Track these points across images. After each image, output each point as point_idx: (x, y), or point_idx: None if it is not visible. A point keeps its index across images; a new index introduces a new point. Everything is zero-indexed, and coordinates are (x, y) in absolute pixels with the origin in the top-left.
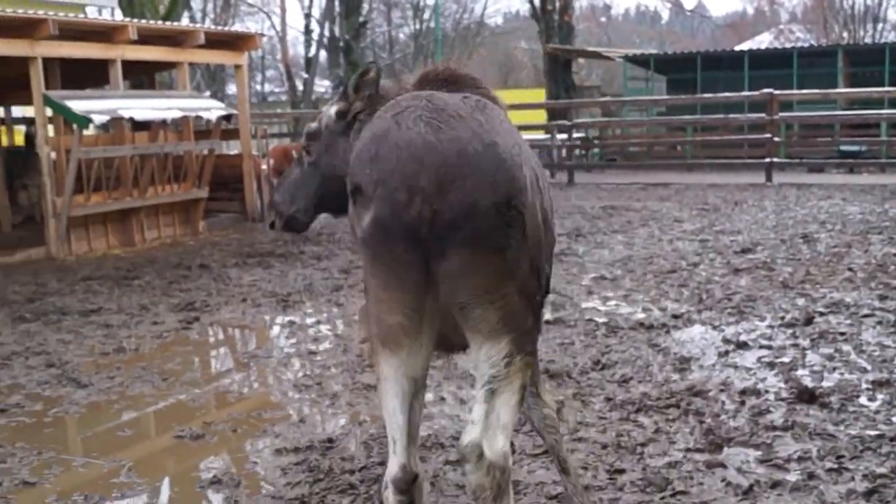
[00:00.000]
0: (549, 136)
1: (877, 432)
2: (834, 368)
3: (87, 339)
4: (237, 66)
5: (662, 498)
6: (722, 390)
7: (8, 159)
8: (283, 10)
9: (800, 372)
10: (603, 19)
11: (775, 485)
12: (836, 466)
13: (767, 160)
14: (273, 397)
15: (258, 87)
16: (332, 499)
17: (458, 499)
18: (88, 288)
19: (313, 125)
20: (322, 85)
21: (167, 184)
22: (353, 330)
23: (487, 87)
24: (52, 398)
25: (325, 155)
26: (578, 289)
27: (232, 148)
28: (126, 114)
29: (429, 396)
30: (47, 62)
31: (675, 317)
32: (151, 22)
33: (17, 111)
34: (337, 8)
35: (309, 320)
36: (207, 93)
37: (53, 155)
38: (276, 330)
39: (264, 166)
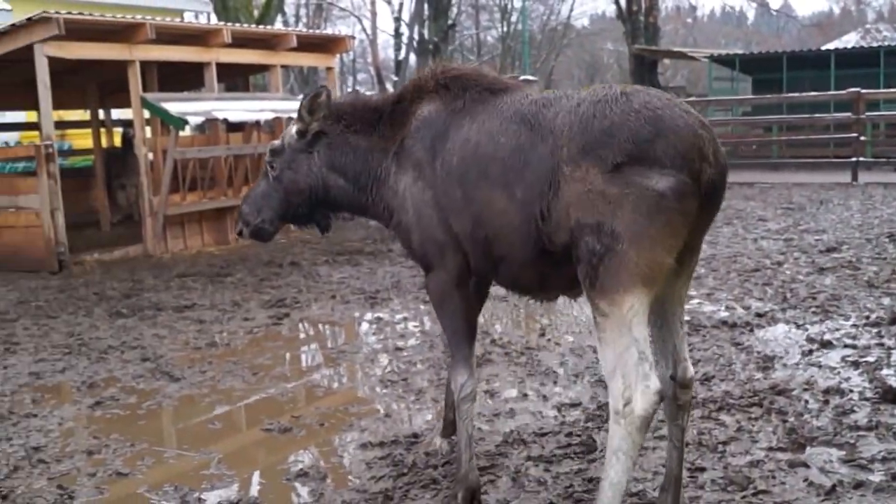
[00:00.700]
0: None
1: None
2: None
3: (180, 333)
4: (328, 69)
5: (744, 497)
6: (805, 389)
7: (107, 160)
8: (374, 13)
9: (884, 371)
10: (689, 20)
11: (858, 485)
12: None
13: (853, 159)
14: (360, 392)
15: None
16: (415, 493)
17: (540, 495)
18: (183, 284)
19: (276, 143)
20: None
21: None
22: (439, 326)
23: None
24: (146, 391)
25: (288, 170)
26: None
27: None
28: (220, 115)
29: (511, 393)
30: (145, 65)
31: (759, 315)
32: (245, 26)
33: (116, 114)
34: (426, 11)
35: (396, 317)
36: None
37: (150, 155)
38: (363, 326)
39: None
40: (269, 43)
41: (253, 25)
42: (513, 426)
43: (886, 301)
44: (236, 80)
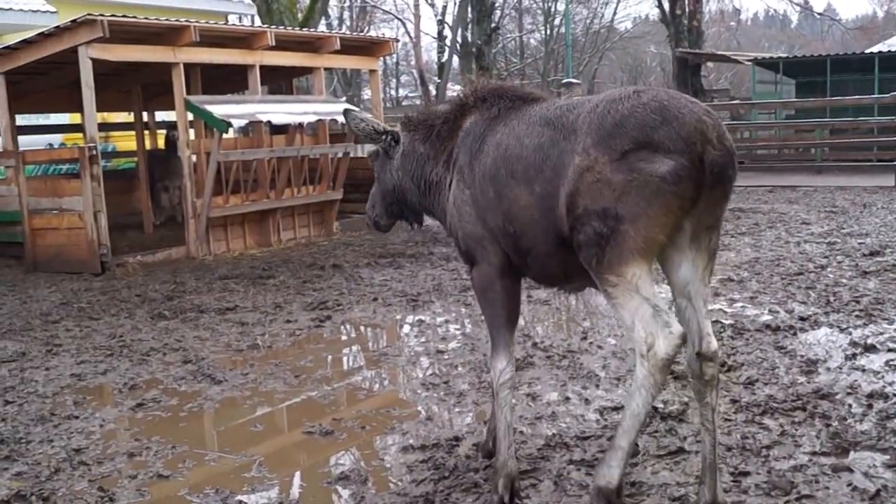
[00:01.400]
0: None
1: None
2: None
3: (222, 336)
4: (372, 71)
5: (787, 502)
6: (849, 393)
7: (150, 162)
8: (417, 16)
9: None
10: (732, 23)
11: None
12: None
13: None
14: (401, 395)
15: (392, 92)
16: (456, 497)
17: (581, 499)
18: (225, 286)
19: (372, 148)
20: (454, 90)
21: (303, 186)
22: (481, 329)
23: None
24: (188, 393)
25: (381, 172)
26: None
27: (366, 151)
28: (264, 118)
29: (553, 396)
30: (189, 68)
31: (802, 319)
32: (289, 28)
33: (160, 116)
34: (469, 14)
35: (438, 320)
36: (343, 98)
37: (194, 158)
38: (405, 329)
39: None
40: (312, 45)
41: (296, 28)
42: (555, 430)
43: None
44: (280, 82)
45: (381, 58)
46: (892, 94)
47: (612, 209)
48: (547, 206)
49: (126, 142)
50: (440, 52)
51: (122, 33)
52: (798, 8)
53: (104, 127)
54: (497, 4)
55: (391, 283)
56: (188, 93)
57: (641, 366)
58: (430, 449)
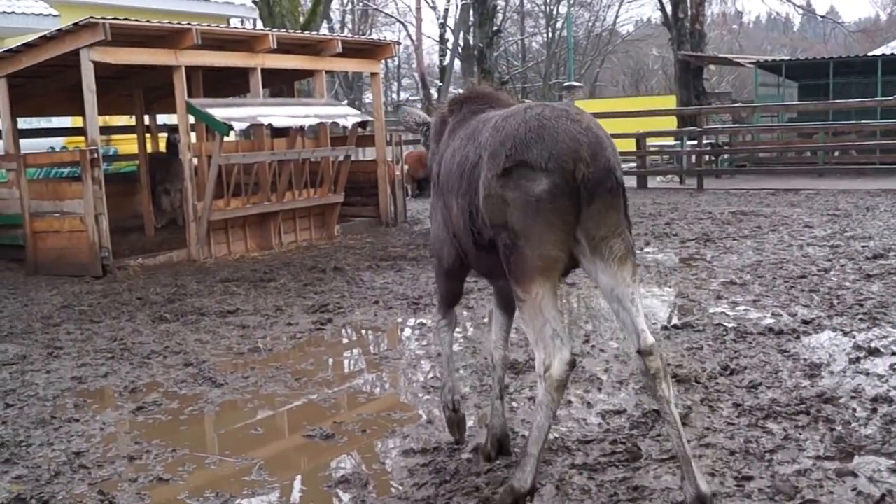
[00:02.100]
0: (678, 142)
1: None
2: None
3: (223, 339)
4: (373, 74)
5: None
6: (853, 397)
7: (152, 165)
8: (419, 19)
9: None
10: (734, 26)
11: None
12: None
13: None
14: (402, 398)
15: (394, 96)
16: (457, 501)
17: (583, 503)
18: (226, 289)
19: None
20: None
21: (304, 189)
22: (482, 332)
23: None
24: (189, 396)
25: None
26: (707, 294)
27: (367, 154)
28: (265, 121)
29: None
30: (190, 71)
31: (806, 322)
32: (291, 31)
33: (161, 119)
34: (471, 17)
35: None
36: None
37: (195, 161)
38: (406, 332)
39: (398, 172)
40: (314, 49)
41: (298, 31)
42: (557, 433)
43: None
44: (281, 85)
45: (383, 61)
46: (895, 96)
47: (509, 224)
48: (471, 216)
49: (127, 145)
50: (442, 55)
51: (124, 36)
52: (800, 11)
53: (106, 130)
54: (499, 7)
55: (392, 286)
56: (190, 96)
57: (541, 385)
58: (431, 452)
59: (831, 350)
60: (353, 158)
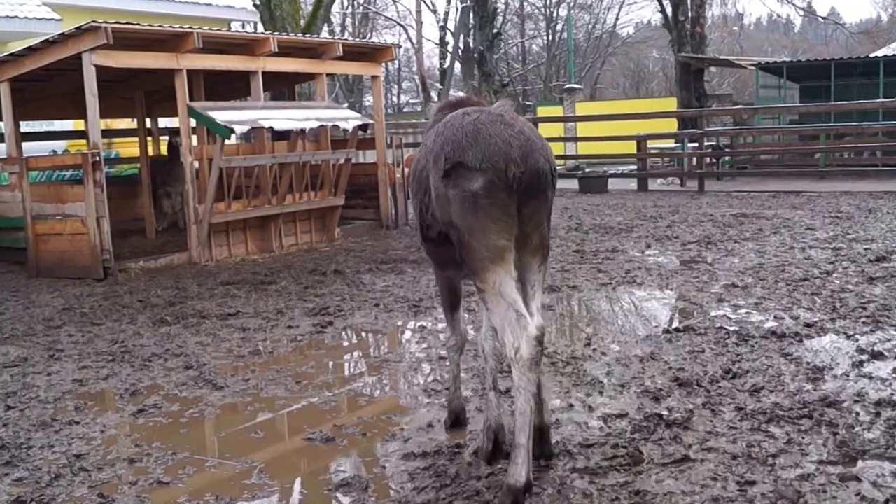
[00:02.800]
0: (679, 144)
1: None
2: None
3: (224, 341)
4: (374, 77)
5: None
6: (856, 401)
7: (153, 168)
8: (419, 22)
9: None
10: (735, 28)
11: None
12: None
13: None
14: (403, 401)
15: (394, 99)
16: None
17: None
18: (227, 292)
19: None
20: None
21: (305, 192)
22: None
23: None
24: (189, 399)
25: None
26: (709, 297)
27: (368, 157)
28: (266, 124)
29: (556, 403)
30: (191, 74)
31: (808, 325)
32: (292, 35)
33: (163, 122)
34: (471, 20)
35: (439, 325)
36: (345, 104)
37: (196, 164)
38: (407, 335)
39: (399, 175)
40: (314, 52)
41: (299, 34)
42: (558, 437)
43: None
44: (282, 88)
45: (383, 64)
46: None
47: (454, 221)
48: (432, 216)
49: (129, 148)
50: (442, 58)
51: (126, 40)
52: (801, 12)
53: (107, 133)
54: (499, 10)
55: (393, 289)
56: (191, 99)
57: (515, 369)
58: (431, 456)
59: (834, 353)
60: (353, 161)
